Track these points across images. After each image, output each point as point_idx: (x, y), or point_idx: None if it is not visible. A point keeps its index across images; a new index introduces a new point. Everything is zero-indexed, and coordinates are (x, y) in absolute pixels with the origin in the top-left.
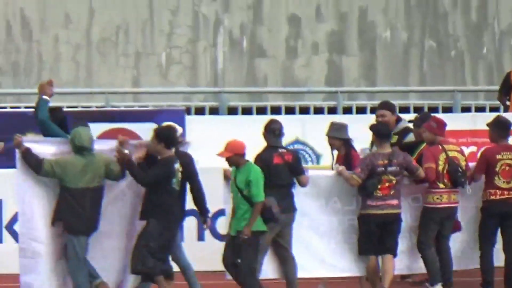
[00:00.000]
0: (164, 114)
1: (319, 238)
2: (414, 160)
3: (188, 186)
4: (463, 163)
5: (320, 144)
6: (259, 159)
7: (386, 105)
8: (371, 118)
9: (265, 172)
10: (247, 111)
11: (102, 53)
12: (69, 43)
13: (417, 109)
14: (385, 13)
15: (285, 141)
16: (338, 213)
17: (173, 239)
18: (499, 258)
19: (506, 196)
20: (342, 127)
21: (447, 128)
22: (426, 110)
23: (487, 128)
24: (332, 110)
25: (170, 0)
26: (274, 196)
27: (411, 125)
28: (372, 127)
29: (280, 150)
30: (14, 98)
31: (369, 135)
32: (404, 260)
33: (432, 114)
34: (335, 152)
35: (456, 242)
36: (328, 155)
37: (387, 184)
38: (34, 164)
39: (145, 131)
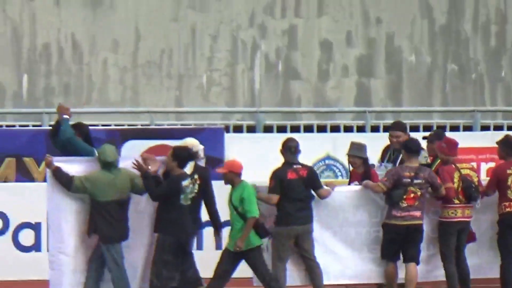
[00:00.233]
0: (204, 132)
1: (346, 248)
2: (434, 171)
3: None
4: (475, 179)
5: None
6: (274, 175)
7: (400, 126)
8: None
9: (280, 186)
10: (282, 129)
11: (147, 75)
12: (116, 66)
13: (440, 128)
14: (411, 39)
15: (317, 157)
16: (365, 225)
17: (185, 252)
18: None
19: None
20: (362, 147)
21: (468, 145)
22: (448, 129)
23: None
24: (361, 129)
25: (211, 26)
26: (291, 208)
27: (423, 143)
28: (403, 144)
29: (295, 166)
30: None
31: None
32: (420, 269)
33: (446, 134)
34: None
35: (473, 253)
36: None
37: (412, 195)
38: (65, 181)
39: None
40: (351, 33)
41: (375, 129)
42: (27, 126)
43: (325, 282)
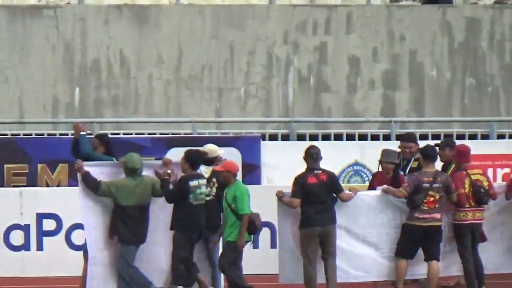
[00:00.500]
0: (242, 140)
1: (369, 248)
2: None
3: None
4: (485, 184)
5: (376, 166)
6: (296, 180)
7: (411, 138)
8: (420, 144)
9: (301, 191)
10: (313, 137)
11: (189, 88)
12: (161, 79)
13: (459, 136)
14: (432, 55)
15: (346, 163)
16: (385, 226)
17: (199, 249)
18: None
19: None
20: (394, 153)
21: (486, 152)
22: (467, 137)
23: None
24: (386, 137)
25: (248, 44)
26: (313, 211)
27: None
28: (421, 150)
29: (316, 172)
30: (113, 126)
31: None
32: (441, 266)
33: (465, 142)
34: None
35: (486, 251)
36: None
37: (431, 199)
38: (92, 185)
39: (226, 155)
40: (377, 49)
41: (399, 137)
42: None
43: (347, 281)
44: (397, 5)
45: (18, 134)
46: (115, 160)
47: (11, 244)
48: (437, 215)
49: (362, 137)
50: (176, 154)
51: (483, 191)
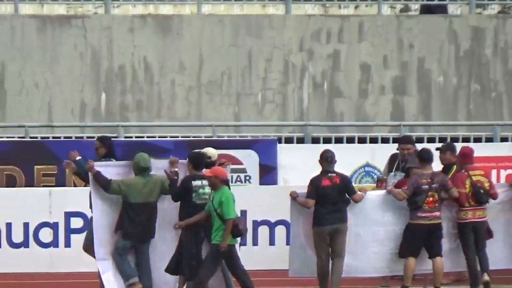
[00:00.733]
0: (259, 143)
1: (376, 244)
2: (450, 178)
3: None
4: (486, 184)
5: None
6: (311, 182)
7: (409, 140)
8: (428, 147)
9: (316, 192)
10: (327, 141)
11: (209, 93)
12: (183, 85)
13: (465, 140)
14: (439, 62)
15: (357, 165)
16: (391, 224)
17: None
18: None
19: None
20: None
21: (490, 155)
22: (472, 140)
23: None
24: (396, 140)
25: (265, 51)
26: (324, 211)
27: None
28: (418, 153)
29: (330, 174)
30: (137, 130)
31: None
32: (446, 261)
33: (470, 145)
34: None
35: (492, 248)
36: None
37: (431, 199)
38: (103, 183)
39: (244, 156)
40: (387, 57)
41: (397, 140)
42: None
43: (354, 275)
44: (406, 15)
45: (48, 137)
46: (134, 158)
47: (41, 241)
48: (438, 213)
49: (373, 140)
50: None
51: (482, 191)
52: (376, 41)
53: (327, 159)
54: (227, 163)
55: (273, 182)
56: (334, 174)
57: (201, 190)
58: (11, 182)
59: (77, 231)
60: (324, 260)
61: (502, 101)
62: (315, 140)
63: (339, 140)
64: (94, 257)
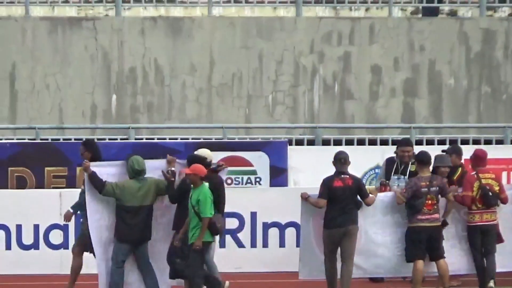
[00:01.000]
0: (270, 145)
1: (385, 245)
2: (455, 180)
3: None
4: (496, 188)
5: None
6: (323, 182)
7: (408, 142)
8: (438, 149)
9: (328, 193)
10: (337, 142)
11: (220, 95)
12: (193, 87)
13: (475, 142)
14: (450, 64)
15: (368, 166)
16: (400, 225)
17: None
18: None
19: None
20: (448, 158)
21: (500, 156)
22: (482, 143)
23: None
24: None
25: (276, 53)
26: (334, 213)
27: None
28: (416, 156)
29: (343, 176)
30: (148, 132)
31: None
32: (455, 263)
33: (481, 147)
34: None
35: (501, 250)
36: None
37: (430, 202)
38: (98, 185)
39: (255, 158)
40: (398, 59)
41: (418, 143)
42: (116, 139)
43: (363, 277)
44: (417, 17)
45: (58, 139)
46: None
47: (51, 243)
48: (437, 215)
49: (384, 142)
50: None
51: (491, 194)
52: (387, 43)
53: (340, 160)
54: (224, 166)
55: (284, 184)
56: (347, 176)
57: None
58: (21, 184)
59: None
60: (332, 262)
61: None
62: (326, 142)
63: (349, 142)
64: (76, 260)
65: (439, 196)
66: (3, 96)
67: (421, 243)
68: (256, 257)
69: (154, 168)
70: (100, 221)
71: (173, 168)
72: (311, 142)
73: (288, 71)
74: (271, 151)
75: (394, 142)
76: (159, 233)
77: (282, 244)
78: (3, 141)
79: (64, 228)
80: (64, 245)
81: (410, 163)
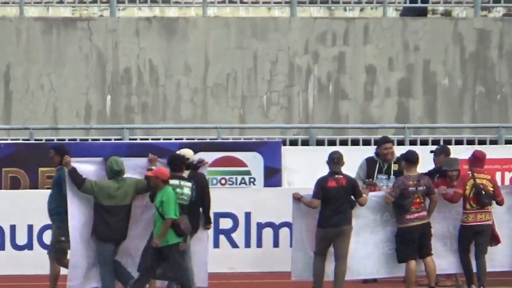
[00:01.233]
0: (264, 145)
1: (376, 245)
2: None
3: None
4: (490, 188)
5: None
6: (317, 182)
7: (388, 139)
8: (432, 149)
9: (321, 193)
10: (332, 143)
11: (215, 95)
12: (188, 87)
13: (470, 142)
14: (444, 64)
15: None
16: (390, 224)
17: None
18: None
19: None
20: (457, 161)
21: (494, 157)
22: (476, 142)
23: None
24: (401, 143)
25: (271, 53)
26: (327, 213)
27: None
28: (404, 155)
29: (337, 176)
30: (143, 132)
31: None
32: (445, 263)
33: (475, 147)
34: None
35: (497, 251)
36: None
37: (417, 201)
38: (78, 181)
39: (249, 158)
40: (392, 59)
41: (413, 143)
42: (110, 140)
43: (357, 278)
44: (411, 17)
45: (52, 139)
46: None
47: (45, 244)
48: (425, 213)
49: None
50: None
51: (484, 193)
52: (381, 44)
53: (333, 160)
54: (205, 162)
55: (278, 184)
56: (341, 176)
57: (178, 190)
58: (15, 184)
59: None
60: (321, 261)
61: (507, 103)
62: (320, 143)
63: (344, 143)
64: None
65: (426, 195)
66: None
67: (414, 243)
68: (250, 258)
69: (136, 167)
70: (80, 218)
71: (154, 167)
72: (305, 143)
73: (283, 71)
74: (265, 151)
75: (375, 143)
76: (138, 230)
77: (276, 244)
78: None
79: None
80: None
81: (393, 162)
